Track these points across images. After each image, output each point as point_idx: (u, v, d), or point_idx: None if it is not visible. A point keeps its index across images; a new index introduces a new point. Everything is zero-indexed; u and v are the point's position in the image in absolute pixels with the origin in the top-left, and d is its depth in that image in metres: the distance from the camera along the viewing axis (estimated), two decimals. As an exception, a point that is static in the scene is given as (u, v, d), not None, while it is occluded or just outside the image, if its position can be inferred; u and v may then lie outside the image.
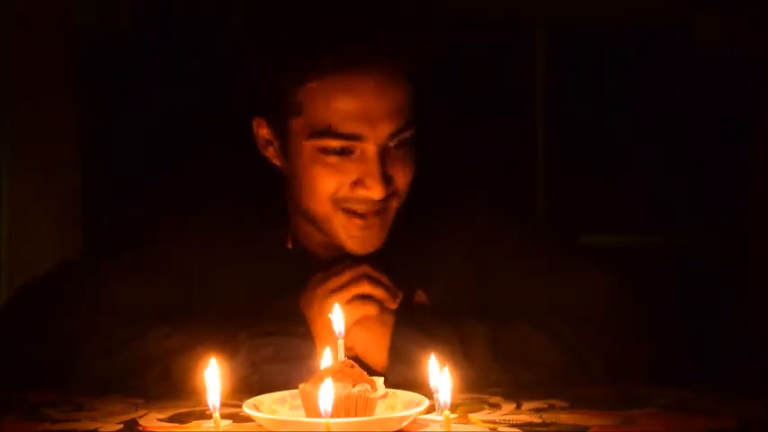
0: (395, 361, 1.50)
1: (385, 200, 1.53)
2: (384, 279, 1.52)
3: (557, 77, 2.99)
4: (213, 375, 1.27)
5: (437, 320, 1.54)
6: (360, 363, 1.35)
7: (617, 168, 2.95)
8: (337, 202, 1.53)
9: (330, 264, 1.56)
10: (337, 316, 1.37)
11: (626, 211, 2.95)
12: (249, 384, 1.48)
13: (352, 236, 1.55)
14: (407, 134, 1.53)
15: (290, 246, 1.65)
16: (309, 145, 1.52)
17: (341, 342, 1.33)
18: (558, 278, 1.61)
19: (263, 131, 1.60)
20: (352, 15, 1.53)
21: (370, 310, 1.50)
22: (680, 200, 2.90)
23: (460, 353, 1.51)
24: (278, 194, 1.65)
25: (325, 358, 1.36)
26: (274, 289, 1.60)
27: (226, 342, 1.50)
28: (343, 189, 1.52)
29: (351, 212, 1.53)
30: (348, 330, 1.35)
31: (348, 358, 1.32)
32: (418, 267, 1.63)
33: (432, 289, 1.62)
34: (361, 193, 1.52)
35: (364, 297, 1.51)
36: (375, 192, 1.51)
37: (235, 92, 1.63)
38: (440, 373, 1.29)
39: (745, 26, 2.78)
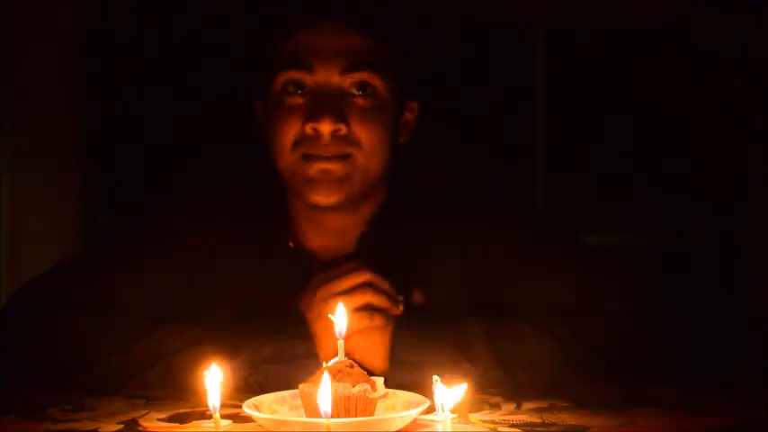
0: (394, 364, 1.50)
1: (345, 144, 1.56)
2: (386, 286, 1.51)
3: (557, 77, 3.00)
4: (214, 377, 1.27)
5: (435, 322, 1.54)
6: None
7: (617, 168, 2.96)
8: (297, 147, 1.57)
9: (331, 264, 1.56)
10: (339, 316, 1.36)
11: (626, 211, 2.95)
12: (249, 384, 1.48)
13: (312, 180, 1.57)
14: (366, 75, 1.57)
15: (291, 244, 1.65)
16: (275, 89, 1.59)
17: (341, 343, 1.33)
18: (558, 278, 1.61)
19: (260, 114, 1.66)
20: None
21: (377, 322, 1.50)
22: (680, 199, 2.90)
23: (459, 354, 1.51)
24: (279, 192, 1.66)
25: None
26: (276, 288, 1.60)
27: (227, 342, 1.50)
28: (300, 130, 1.57)
29: (309, 156, 1.57)
30: (348, 337, 1.33)
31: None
32: (417, 268, 1.63)
33: (431, 290, 1.62)
34: (310, 126, 1.56)
35: (369, 308, 1.50)
36: (322, 123, 1.55)
37: (236, 84, 1.67)
38: (452, 390, 1.28)
39: (745, 26, 2.79)
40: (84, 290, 1.60)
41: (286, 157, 1.59)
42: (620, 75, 2.94)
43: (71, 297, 1.59)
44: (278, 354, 1.49)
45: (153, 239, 1.67)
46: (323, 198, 1.58)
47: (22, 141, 2.60)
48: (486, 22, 2.97)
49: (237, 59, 1.66)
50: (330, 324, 1.36)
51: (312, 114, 1.56)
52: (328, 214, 1.63)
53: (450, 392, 1.27)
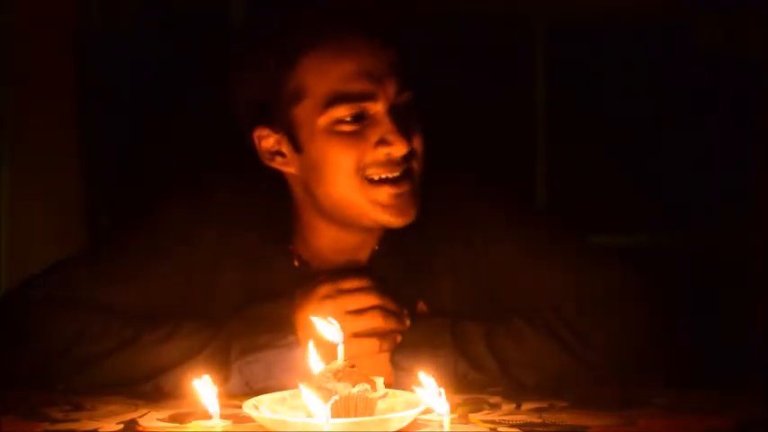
0: (394, 369, 1.50)
1: (408, 160, 1.53)
2: (392, 306, 1.51)
3: (557, 77, 3.00)
4: (208, 393, 1.28)
5: (433, 326, 1.53)
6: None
7: (617, 168, 2.96)
8: (362, 172, 1.52)
9: (335, 274, 1.54)
10: (336, 321, 1.34)
11: (627, 212, 2.95)
12: (246, 394, 1.46)
13: (388, 205, 1.53)
14: (409, 95, 1.54)
15: (296, 263, 1.63)
16: (323, 122, 1.52)
17: (341, 347, 1.32)
18: (559, 277, 1.60)
19: (266, 142, 1.57)
20: None
21: (385, 347, 1.50)
22: (681, 200, 2.90)
23: (459, 356, 1.50)
24: (283, 209, 1.63)
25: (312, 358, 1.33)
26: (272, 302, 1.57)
27: (218, 361, 1.48)
28: (366, 156, 1.51)
29: (379, 181, 1.52)
30: (352, 357, 1.32)
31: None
32: (424, 282, 1.61)
33: (436, 300, 1.61)
34: (384, 152, 1.51)
35: (376, 332, 1.49)
36: (398, 147, 1.51)
37: (230, 111, 1.60)
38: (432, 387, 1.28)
39: (745, 26, 2.79)
40: (76, 292, 1.58)
41: (347, 181, 1.52)
42: (620, 74, 2.95)
43: (63, 299, 1.57)
44: (269, 369, 1.47)
45: (154, 240, 1.64)
46: (400, 219, 1.54)
47: (22, 142, 2.60)
48: (487, 22, 2.97)
49: (233, 84, 1.54)
50: (316, 334, 1.34)
51: (385, 140, 1.51)
52: (350, 233, 1.59)
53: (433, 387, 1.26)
